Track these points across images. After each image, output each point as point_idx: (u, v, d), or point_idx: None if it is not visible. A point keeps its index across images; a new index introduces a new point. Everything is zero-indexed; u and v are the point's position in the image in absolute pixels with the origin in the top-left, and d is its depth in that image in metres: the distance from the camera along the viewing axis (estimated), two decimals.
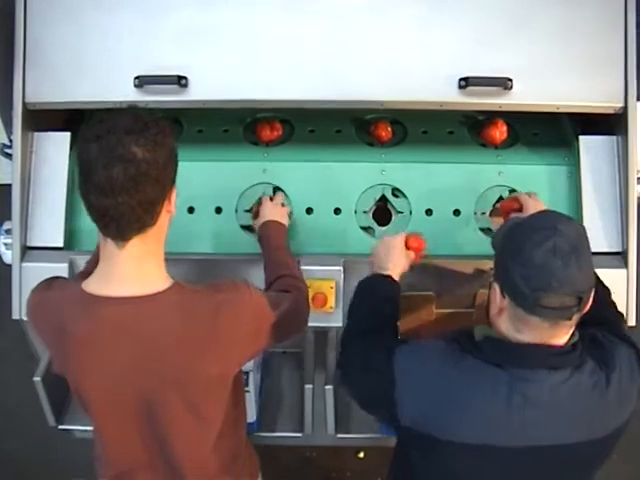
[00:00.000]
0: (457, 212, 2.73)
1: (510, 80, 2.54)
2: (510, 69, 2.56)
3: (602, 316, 2.04)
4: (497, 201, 2.73)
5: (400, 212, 2.75)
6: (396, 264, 2.37)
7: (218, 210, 2.74)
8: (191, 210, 2.73)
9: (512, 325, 1.87)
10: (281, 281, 2.23)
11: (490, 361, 1.87)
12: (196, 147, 2.77)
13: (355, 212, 2.74)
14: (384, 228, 2.76)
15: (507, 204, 2.59)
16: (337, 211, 2.74)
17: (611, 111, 2.62)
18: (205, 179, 2.74)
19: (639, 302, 2.61)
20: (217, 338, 1.88)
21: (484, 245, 2.64)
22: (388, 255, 2.39)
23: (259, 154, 2.81)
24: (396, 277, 2.33)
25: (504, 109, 2.62)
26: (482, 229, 2.73)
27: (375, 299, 2.28)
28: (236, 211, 2.73)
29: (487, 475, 1.95)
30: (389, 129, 2.87)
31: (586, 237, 1.84)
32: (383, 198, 2.76)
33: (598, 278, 1.93)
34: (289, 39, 2.59)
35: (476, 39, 2.59)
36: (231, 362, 1.96)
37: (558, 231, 1.78)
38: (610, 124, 2.68)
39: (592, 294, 1.83)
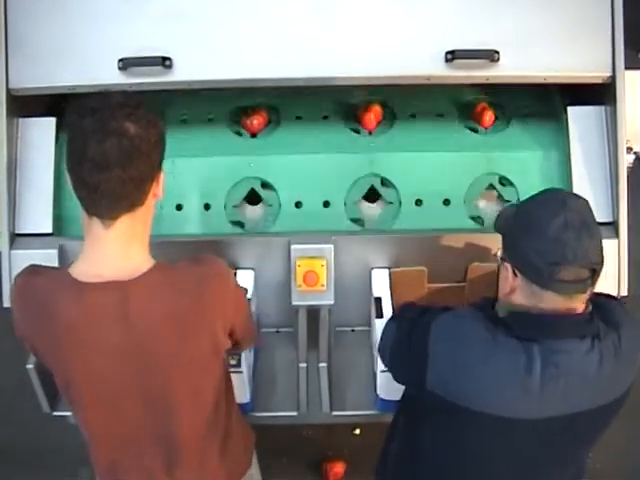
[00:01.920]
0: (447, 202, 2.73)
1: (497, 52, 2.53)
2: (496, 41, 2.55)
3: None
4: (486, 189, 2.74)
5: (390, 202, 2.75)
6: None
7: (207, 207, 2.74)
8: (179, 207, 2.72)
9: (528, 302, 1.88)
10: None
11: (521, 337, 1.87)
12: (181, 140, 2.75)
13: (345, 204, 2.73)
14: (375, 215, 2.76)
15: None
16: (326, 204, 2.74)
17: (599, 81, 2.61)
18: (192, 175, 2.74)
19: (630, 272, 2.60)
20: (204, 309, 1.89)
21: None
22: None
23: (245, 147, 2.80)
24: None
25: (491, 81, 2.61)
26: (472, 218, 2.74)
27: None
28: (225, 207, 2.73)
29: (507, 446, 1.97)
30: (378, 110, 2.84)
31: (591, 211, 1.87)
32: (372, 190, 2.75)
33: None
34: (273, 17, 2.56)
35: (462, 11, 2.57)
36: (220, 332, 1.96)
37: (567, 206, 1.81)
38: (598, 94, 2.67)
39: (603, 268, 1.85)
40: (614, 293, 2.53)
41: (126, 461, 2.10)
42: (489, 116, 2.79)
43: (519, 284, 1.88)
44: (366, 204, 2.77)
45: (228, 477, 2.23)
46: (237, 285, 2.07)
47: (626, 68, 2.59)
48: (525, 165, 2.74)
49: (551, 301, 1.84)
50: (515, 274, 1.88)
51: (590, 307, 1.91)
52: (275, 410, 2.73)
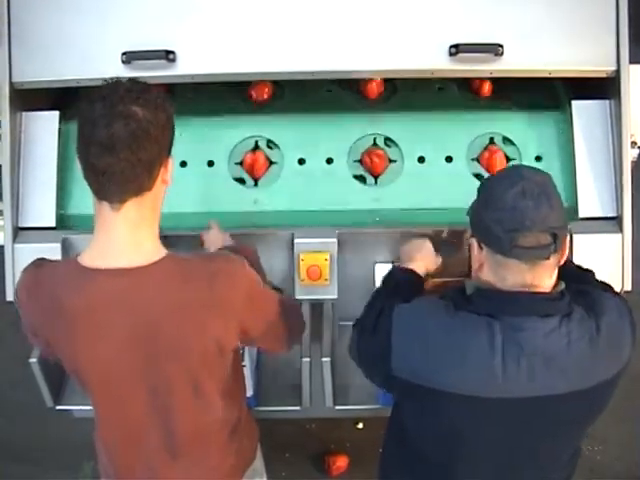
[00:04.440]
0: (449, 159, 2.76)
1: (501, 46, 2.53)
2: (501, 35, 2.54)
3: (578, 275, 2.11)
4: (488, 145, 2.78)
5: (393, 161, 2.78)
6: (422, 260, 2.41)
7: (210, 163, 2.77)
8: (183, 164, 2.75)
9: (495, 275, 1.89)
10: None
11: (482, 312, 1.88)
12: (188, 103, 2.80)
13: (347, 161, 2.77)
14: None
15: None
16: (329, 161, 2.77)
17: (603, 75, 2.61)
18: (197, 133, 2.78)
19: (634, 267, 2.60)
20: (213, 305, 1.88)
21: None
22: (415, 252, 2.44)
23: (250, 108, 2.86)
24: (419, 272, 2.35)
25: (495, 75, 2.61)
26: (475, 175, 2.77)
27: (392, 284, 2.29)
28: (228, 164, 2.77)
29: (479, 426, 1.96)
30: (380, 80, 2.89)
31: (553, 185, 1.89)
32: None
33: None
34: (277, 10, 2.56)
35: (466, 5, 2.57)
36: (228, 331, 1.95)
37: (524, 177, 1.85)
38: (603, 88, 2.66)
39: (567, 236, 1.88)
40: (617, 288, 2.53)
41: (130, 451, 2.10)
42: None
43: (485, 257, 1.90)
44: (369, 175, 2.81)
45: (232, 471, 2.23)
46: (256, 283, 2.03)
47: (631, 62, 2.59)
48: (526, 126, 2.79)
49: (516, 270, 1.85)
50: (481, 247, 1.90)
51: (561, 286, 1.91)
52: (278, 404, 2.73)
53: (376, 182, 2.78)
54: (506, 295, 1.88)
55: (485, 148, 2.77)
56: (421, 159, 2.76)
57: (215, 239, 2.46)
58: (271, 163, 2.79)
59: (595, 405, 1.99)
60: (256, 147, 2.79)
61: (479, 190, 1.97)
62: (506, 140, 2.78)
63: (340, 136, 2.78)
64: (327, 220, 2.70)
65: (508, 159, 2.77)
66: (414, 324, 1.96)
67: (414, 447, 2.14)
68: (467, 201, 2.60)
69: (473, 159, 2.77)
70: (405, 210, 2.72)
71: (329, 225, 2.65)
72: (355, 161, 2.79)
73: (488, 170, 2.74)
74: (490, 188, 1.90)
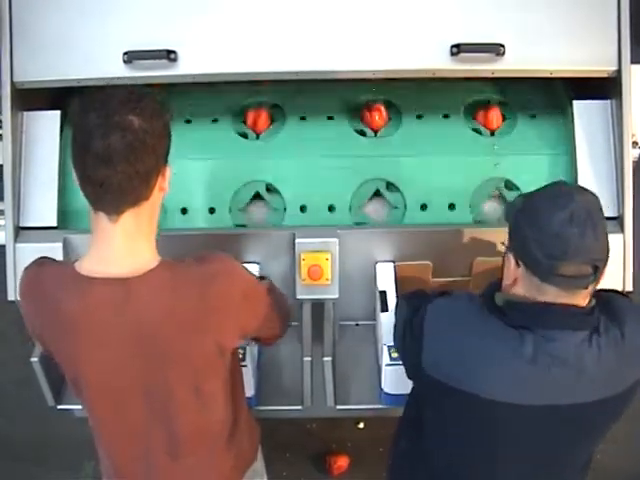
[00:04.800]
0: (447, 117, 2.85)
1: (502, 46, 2.52)
2: (502, 35, 2.54)
3: None
4: (484, 105, 2.87)
5: (392, 119, 2.88)
6: None
7: (214, 121, 2.86)
8: (188, 121, 2.84)
9: (528, 294, 1.88)
10: None
11: (516, 324, 1.87)
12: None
13: (348, 117, 2.87)
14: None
15: None
16: (330, 118, 2.85)
17: (605, 75, 2.60)
18: (200, 98, 2.88)
19: (635, 267, 2.60)
20: (209, 309, 1.88)
21: (475, 145, 2.80)
22: None
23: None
24: None
25: (497, 75, 2.60)
26: (473, 129, 2.84)
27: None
28: (232, 122, 2.86)
29: (504, 433, 1.96)
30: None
31: (600, 208, 1.86)
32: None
33: None
34: (278, 10, 2.56)
35: (467, 5, 2.56)
36: (227, 331, 1.96)
37: (574, 199, 1.80)
38: (604, 88, 2.66)
39: (606, 265, 1.84)
40: (619, 288, 2.53)
41: (131, 453, 2.10)
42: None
43: (521, 275, 1.88)
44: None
45: (233, 471, 2.23)
46: (251, 281, 2.05)
47: (632, 62, 2.58)
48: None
49: (552, 295, 1.84)
50: (518, 264, 1.88)
51: (593, 302, 1.90)
52: (279, 404, 2.72)
53: (376, 135, 2.85)
54: (540, 306, 1.86)
55: (482, 107, 2.87)
56: (419, 116, 2.85)
57: None
58: (273, 121, 2.88)
59: (618, 410, 2.00)
60: (259, 106, 2.90)
61: (524, 201, 1.93)
62: (502, 104, 2.88)
63: (341, 99, 2.90)
64: (327, 166, 2.77)
65: (504, 117, 2.85)
66: (447, 322, 1.97)
67: (430, 447, 2.14)
68: (464, 151, 2.79)
69: (470, 117, 2.86)
70: (403, 156, 2.78)
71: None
72: (356, 118, 2.88)
73: (485, 126, 2.83)
74: (537, 207, 1.86)
